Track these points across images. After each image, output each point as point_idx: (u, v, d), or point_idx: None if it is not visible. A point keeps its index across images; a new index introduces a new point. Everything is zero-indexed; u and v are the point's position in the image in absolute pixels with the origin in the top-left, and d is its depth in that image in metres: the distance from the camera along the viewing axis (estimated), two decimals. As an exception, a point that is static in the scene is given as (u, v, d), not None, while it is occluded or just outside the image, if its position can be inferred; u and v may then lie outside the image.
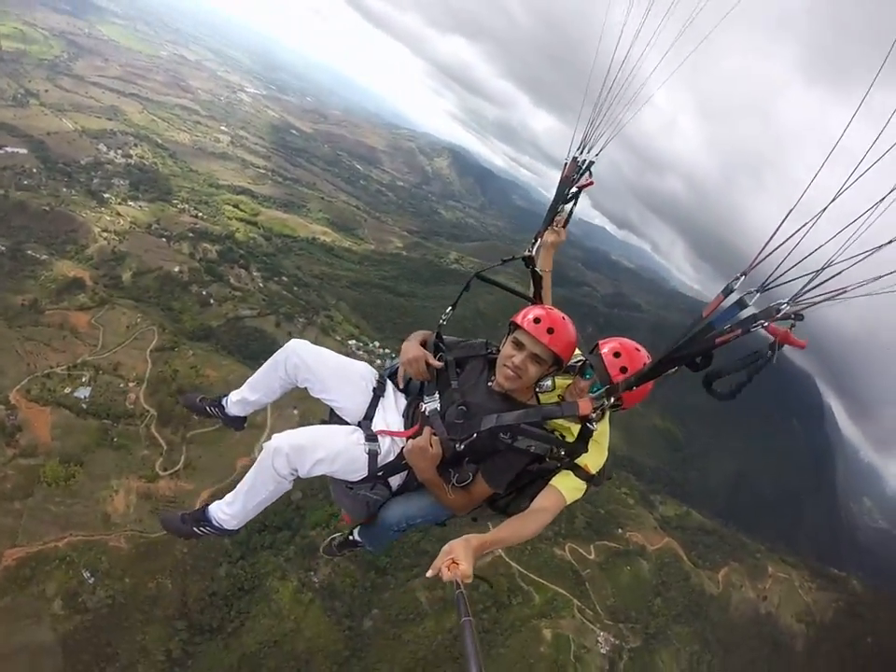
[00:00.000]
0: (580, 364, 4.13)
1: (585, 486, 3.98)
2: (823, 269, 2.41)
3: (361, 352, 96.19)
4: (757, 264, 2.69)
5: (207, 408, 5.16)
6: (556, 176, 5.03)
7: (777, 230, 2.61)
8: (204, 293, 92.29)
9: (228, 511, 4.28)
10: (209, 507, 4.39)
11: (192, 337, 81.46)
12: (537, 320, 3.85)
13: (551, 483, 3.91)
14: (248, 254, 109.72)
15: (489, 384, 4.16)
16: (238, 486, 4.19)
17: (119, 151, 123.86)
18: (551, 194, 5.10)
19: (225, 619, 55.79)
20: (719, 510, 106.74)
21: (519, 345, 3.88)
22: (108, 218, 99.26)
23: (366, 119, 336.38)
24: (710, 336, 2.91)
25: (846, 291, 2.39)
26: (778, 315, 2.61)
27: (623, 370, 3.78)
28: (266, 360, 4.59)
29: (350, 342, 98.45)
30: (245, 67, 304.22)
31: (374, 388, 4.42)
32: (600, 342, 4.09)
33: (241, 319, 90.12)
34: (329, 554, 5.76)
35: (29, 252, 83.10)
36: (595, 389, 3.78)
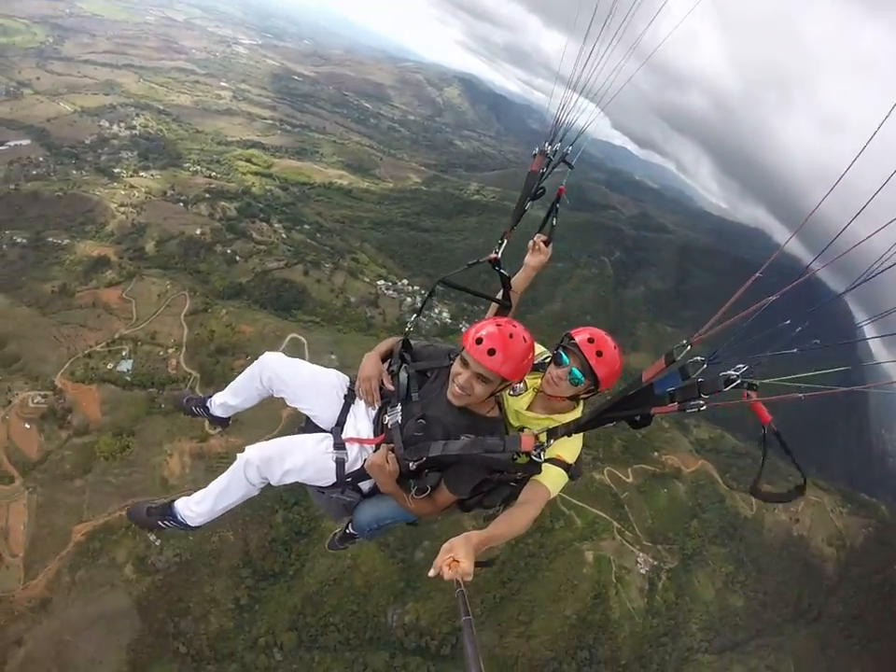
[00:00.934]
0: (553, 355, 4.13)
1: (566, 475, 4.03)
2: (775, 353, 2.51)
3: (391, 291, 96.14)
4: (703, 336, 2.63)
5: (193, 408, 5.43)
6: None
7: (733, 301, 2.60)
8: (229, 251, 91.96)
9: (195, 509, 4.45)
10: (175, 502, 4.55)
11: (223, 296, 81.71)
12: (479, 340, 3.72)
13: (535, 477, 3.96)
14: (267, 206, 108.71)
15: (450, 397, 4.08)
16: (209, 487, 4.36)
17: (122, 124, 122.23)
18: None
19: (286, 563, 58.03)
20: (751, 432, 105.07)
21: (465, 364, 3.81)
22: (123, 192, 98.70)
23: (369, 55, 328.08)
24: (648, 401, 2.91)
25: (800, 396, 2.50)
26: (726, 389, 2.57)
27: (599, 353, 3.85)
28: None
29: (378, 282, 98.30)
30: (237, 19, 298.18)
31: (346, 396, 4.55)
32: (571, 331, 4.07)
33: (269, 272, 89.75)
34: (333, 548, 5.98)
35: (50, 239, 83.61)
36: (573, 375, 3.91)
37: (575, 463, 4.11)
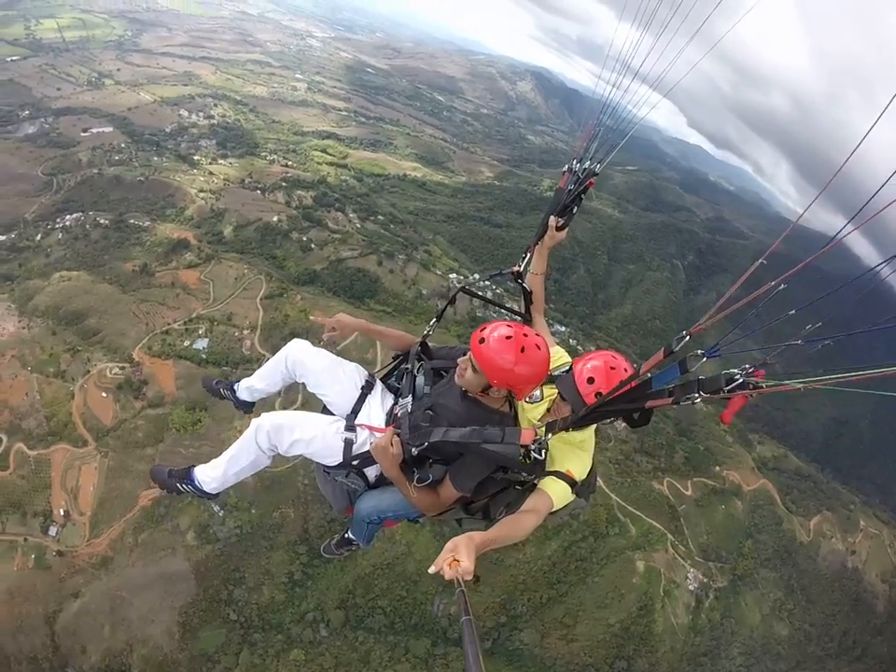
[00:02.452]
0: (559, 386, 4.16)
1: (571, 491, 4.02)
2: (784, 345, 2.36)
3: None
4: (702, 327, 2.55)
5: (221, 390, 5.58)
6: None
7: (731, 292, 2.56)
8: (305, 239, 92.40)
9: (210, 474, 4.68)
10: (195, 468, 4.79)
11: (298, 282, 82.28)
12: (481, 340, 3.87)
13: (540, 486, 4.02)
14: (342, 196, 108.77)
15: (462, 388, 4.21)
16: (223, 453, 4.60)
17: (201, 114, 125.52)
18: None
19: None
20: (815, 454, 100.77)
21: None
22: (202, 179, 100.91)
23: (440, 48, 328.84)
24: (644, 395, 2.86)
25: (799, 388, 2.37)
26: (726, 389, 2.46)
27: (591, 380, 3.84)
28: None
29: (451, 275, 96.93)
30: (308, 12, 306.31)
31: (363, 387, 4.73)
32: (575, 360, 4.15)
33: (343, 261, 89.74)
34: (329, 553, 6.05)
35: (132, 221, 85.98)
36: (573, 409, 3.91)
37: (586, 481, 4.14)
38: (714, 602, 65.41)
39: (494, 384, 3.91)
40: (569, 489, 4.00)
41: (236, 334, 70.08)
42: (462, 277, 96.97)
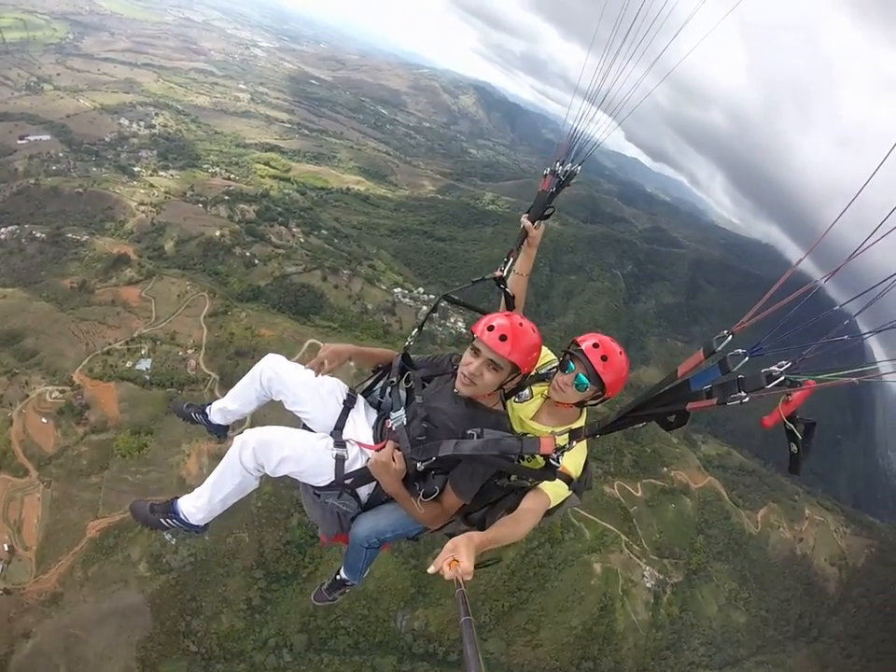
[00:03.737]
0: (560, 362, 4.15)
1: (567, 489, 3.99)
2: (832, 340, 2.27)
3: (407, 300, 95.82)
4: (747, 324, 2.53)
5: (193, 414, 5.25)
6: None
7: (776, 288, 2.48)
8: (248, 254, 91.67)
9: (195, 503, 4.30)
10: (178, 500, 4.40)
11: (242, 298, 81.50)
12: (490, 328, 3.83)
13: (537, 485, 3.93)
14: (286, 210, 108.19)
15: (454, 390, 4.12)
16: (206, 480, 4.23)
17: (142, 123, 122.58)
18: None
19: (299, 565, 58.35)
20: (757, 449, 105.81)
21: (476, 353, 3.90)
22: (142, 191, 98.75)
23: (384, 60, 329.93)
24: (684, 397, 2.78)
25: (853, 381, 2.29)
26: (768, 386, 2.43)
27: (604, 358, 3.83)
28: (252, 365, 4.72)
29: (395, 290, 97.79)
30: (255, 21, 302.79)
31: (345, 401, 4.50)
32: (577, 338, 4.07)
33: (287, 276, 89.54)
34: (321, 601, 5.72)
35: (69, 235, 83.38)
36: (579, 380, 3.88)
37: (581, 477, 4.13)
38: (672, 597, 67.66)
39: (525, 371, 3.97)
40: (566, 487, 3.99)
41: (180, 354, 68.69)
42: (407, 291, 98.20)
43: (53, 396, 61.13)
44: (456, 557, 2.86)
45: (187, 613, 53.11)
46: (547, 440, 3.53)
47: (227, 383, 64.22)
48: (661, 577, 68.29)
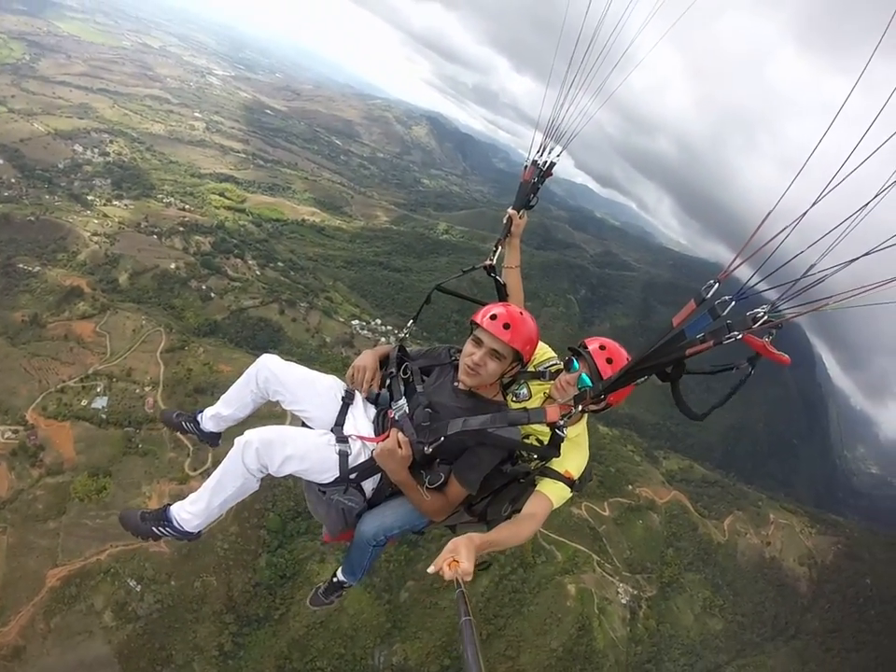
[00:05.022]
0: (564, 361, 4.20)
1: (570, 491, 4.05)
2: (803, 277, 2.36)
3: (365, 331, 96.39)
4: (731, 271, 2.66)
5: (183, 423, 5.14)
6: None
7: (753, 235, 2.56)
8: (204, 287, 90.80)
9: (191, 509, 4.19)
10: (171, 506, 4.28)
11: (199, 333, 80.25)
12: (493, 317, 3.94)
13: (538, 489, 4.01)
14: (241, 242, 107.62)
15: (455, 383, 4.24)
16: (204, 483, 4.12)
17: (96, 150, 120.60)
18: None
19: (271, 607, 57.11)
20: (718, 461, 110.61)
21: (478, 342, 3.98)
22: (96, 221, 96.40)
23: (338, 91, 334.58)
24: (681, 346, 2.86)
25: (827, 303, 2.33)
26: (755, 326, 2.54)
27: (609, 361, 3.90)
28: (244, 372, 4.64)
29: (353, 322, 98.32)
30: (211, 49, 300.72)
31: (343, 397, 4.47)
32: (585, 339, 4.17)
33: (244, 310, 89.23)
34: (317, 604, 5.65)
35: (20, 265, 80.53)
36: (582, 381, 3.89)
37: (582, 476, 4.20)
38: (648, 611, 68.42)
39: (527, 359, 4.09)
40: (568, 489, 4.02)
41: (137, 391, 66.92)
42: (364, 323, 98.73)
43: (6, 436, 58.68)
44: (456, 558, 2.88)
45: (157, 663, 51.23)
46: (552, 407, 3.67)
47: (186, 421, 63.42)
48: (635, 592, 69.32)
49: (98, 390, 65.97)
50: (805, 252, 2.35)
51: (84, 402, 64.13)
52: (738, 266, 2.67)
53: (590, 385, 3.80)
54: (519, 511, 4.15)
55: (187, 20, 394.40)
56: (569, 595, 64.29)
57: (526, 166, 5.02)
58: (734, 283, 2.69)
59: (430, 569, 2.90)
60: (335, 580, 5.33)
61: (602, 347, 3.99)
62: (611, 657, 62.28)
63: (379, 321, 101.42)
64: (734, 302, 2.63)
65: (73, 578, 51.64)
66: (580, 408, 3.63)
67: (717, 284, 2.68)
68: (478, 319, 4.02)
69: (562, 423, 3.69)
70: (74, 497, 55.83)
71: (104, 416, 63.26)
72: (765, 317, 2.54)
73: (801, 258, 2.42)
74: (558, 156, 4.96)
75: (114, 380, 67.77)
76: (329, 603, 5.63)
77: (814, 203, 2.38)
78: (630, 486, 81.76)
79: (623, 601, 67.82)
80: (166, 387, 68.64)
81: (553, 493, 3.98)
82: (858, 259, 2.17)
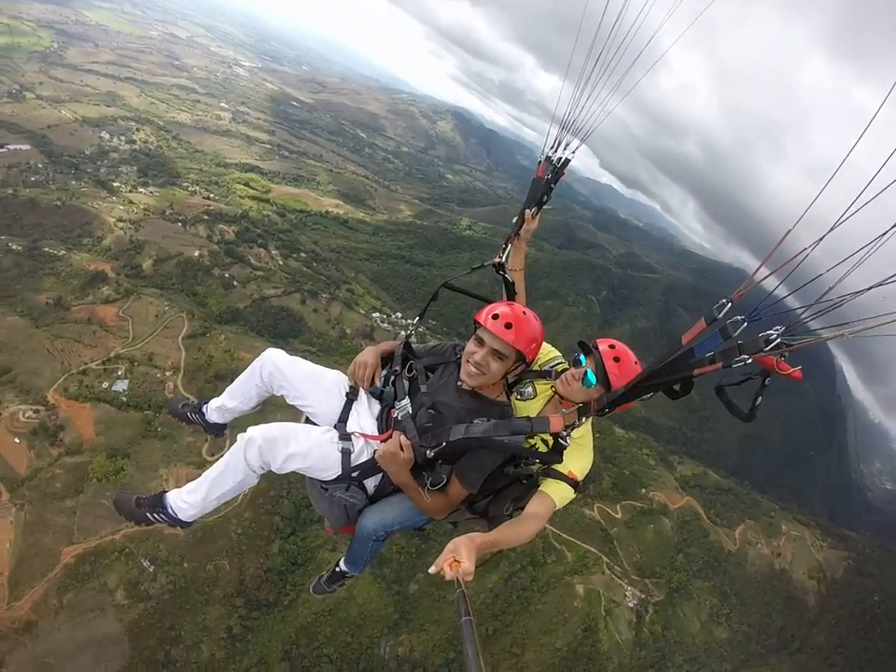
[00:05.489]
0: (573, 359, 4.16)
1: (573, 492, 3.98)
2: (818, 302, 2.33)
3: (385, 324, 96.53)
4: (745, 291, 2.60)
5: (189, 414, 5.16)
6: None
7: (769, 256, 2.52)
8: (227, 275, 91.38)
9: (188, 498, 4.12)
10: (167, 493, 4.23)
11: (221, 320, 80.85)
12: (495, 316, 3.87)
13: (542, 489, 3.95)
14: (265, 232, 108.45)
15: (458, 383, 4.18)
16: (204, 474, 4.08)
17: (123, 138, 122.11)
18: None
19: (281, 593, 57.27)
20: (733, 469, 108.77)
21: (480, 342, 3.92)
22: (121, 207, 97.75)
23: (364, 84, 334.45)
24: (689, 365, 2.81)
25: (843, 334, 2.25)
26: (766, 349, 2.49)
27: (616, 359, 3.85)
28: (244, 370, 4.65)
29: (374, 314, 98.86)
30: (238, 40, 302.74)
31: (347, 393, 4.43)
32: (597, 339, 4.10)
33: (266, 299, 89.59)
34: (320, 592, 5.69)
35: (46, 249, 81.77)
36: (588, 377, 3.87)
37: (585, 479, 4.12)
38: (654, 616, 68.07)
39: (530, 359, 4.04)
40: (571, 490, 3.97)
41: (158, 376, 67.40)
42: (385, 316, 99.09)
43: (27, 415, 59.14)
44: (458, 558, 2.88)
45: (166, 642, 51.45)
46: (556, 417, 3.68)
47: (205, 407, 63.44)
48: (643, 596, 69.05)
49: (119, 373, 66.41)
50: (829, 270, 2.23)
51: (105, 385, 64.59)
52: (753, 287, 2.58)
53: (593, 381, 3.85)
54: (521, 509, 4.14)
55: (214, 10, 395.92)
56: (577, 595, 64.40)
57: (540, 161, 4.88)
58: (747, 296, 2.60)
59: (431, 569, 2.89)
60: (338, 569, 5.37)
61: (611, 346, 3.96)
62: (615, 660, 62.25)
63: (399, 314, 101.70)
64: (746, 323, 2.57)
65: (87, 556, 52.09)
66: (583, 420, 3.68)
67: (729, 304, 2.62)
68: (480, 319, 3.97)
69: (565, 433, 3.72)
70: (92, 477, 56.24)
71: (124, 399, 63.64)
72: (778, 340, 2.47)
73: (824, 274, 2.30)
74: (573, 152, 4.81)
75: (135, 364, 68.23)
76: (331, 591, 5.69)
77: (831, 229, 2.26)
78: (643, 490, 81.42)
79: (631, 604, 67.68)
80: (187, 373, 69.16)
81: (556, 493, 3.93)
82: (871, 287, 2.10)
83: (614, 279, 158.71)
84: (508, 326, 3.81)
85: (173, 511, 4.12)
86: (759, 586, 77.16)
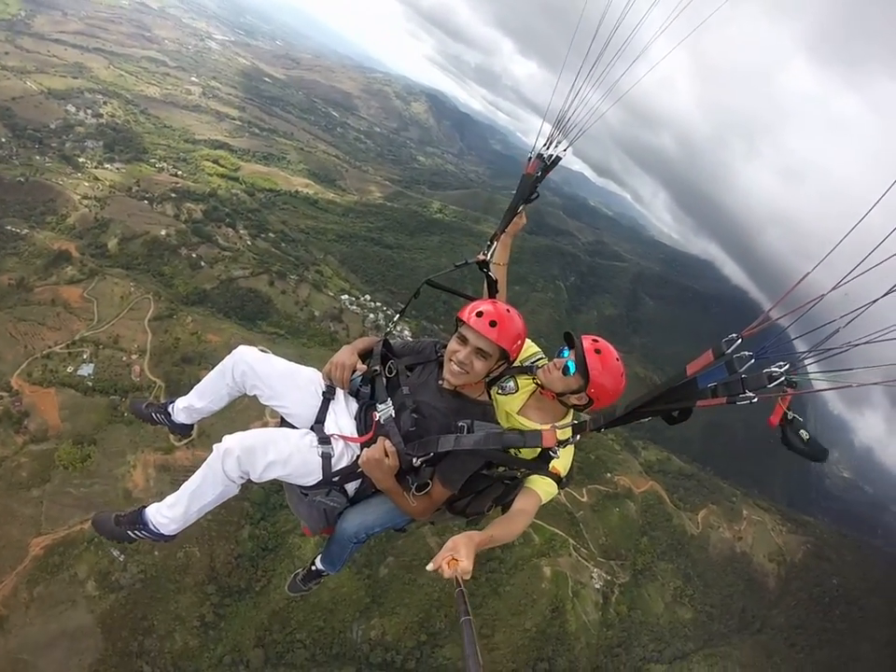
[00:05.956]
0: (559, 351, 4.12)
1: (557, 487, 4.02)
2: (822, 348, 2.33)
3: (354, 307, 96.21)
4: (758, 329, 2.55)
5: (153, 414, 4.93)
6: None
7: (784, 297, 2.51)
8: (194, 255, 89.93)
9: (168, 513, 3.98)
10: (146, 509, 4.07)
11: (188, 302, 79.93)
12: (479, 314, 3.78)
13: (527, 485, 3.98)
14: (233, 211, 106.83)
15: (439, 382, 4.10)
16: (182, 487, 3.94)
17: (89, 111, 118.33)
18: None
19: (252, 579, 57.64)
20: (696, 455, 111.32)
21: (463, 340, 3.83)
22: (86, 184, 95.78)
23: (338, 62, 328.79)
24: (692, 395, 2.80)
25: (851, 384, 2.32)
26: (770, 385, 2.47)
27: (597, 351, 3.83)
28: (213, 369, 4.48)
29: (342, 297, 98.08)
30: (211, 12, 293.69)
31: (324, 392, 4.27)
32: (582, 335, 4.05)
33: (234, 280, 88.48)
34: (295, 591, 5.56)
35: (8, 227, 79.70)
36: (567, 367, 3.88)
37: (567, 475, 4.12)
38: (620, 597, 70.44)
39: (513, 357, 3.96)
40: (556, 485, 3.98)
41: (124, 359, 66.51)
42: (354, 298, 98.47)
43: (-10, 402, 58.01)
44: (456, 556, 2.86)
45: (139, 633, 51.25)
46: (549, 434, 3.53)
47: (172, 390, 62.85)
48: (609, 578, 71.03)
49: (84, 357, 65.61)
50: (843, 317, 2.23)
51: (70, 369, 63.74)
52: (766, 326, 2.56)
53: (572, 370, 3.86)
54: (502, 507, 4.25)
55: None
56: (545, 577, 65.75)
57: (531, 158, 4.79)
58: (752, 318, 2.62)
59: (429, 567, 2.86)
60: (314, 567, 5.24)
61: (594, 340, 3.93)
62: (583, 640, 63.92)
63: (368, 297, 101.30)
64: (753, 360, 2.56)
65: (56, 547, 51.50)
66: (577, 438, 3.58)
67: (740, 340, 2.59)
68: (463, 316, 3.86)
69: (557, 448, 3.63)
70: (58, 464, 55.55)
71: (89, 384, 62.92)
72: (782, 378, 2.47)
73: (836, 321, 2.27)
74: (564, 150, 4.77)
75: (100, 347, 67.46)
76: (307, 590, 5.55)
77: (863, 306, 2.17)
78: (608, 474, 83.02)
79: (597, 586, 69.56)
80: (153, 356, 68.45)
81: (541, 489, 3.95)
82: (872, 341, 2.14)
83: (582, 266, 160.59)
84: (492, 324, 3.75)
85: (154, 527, 4.01)
86: (721, 569, 79.95)
